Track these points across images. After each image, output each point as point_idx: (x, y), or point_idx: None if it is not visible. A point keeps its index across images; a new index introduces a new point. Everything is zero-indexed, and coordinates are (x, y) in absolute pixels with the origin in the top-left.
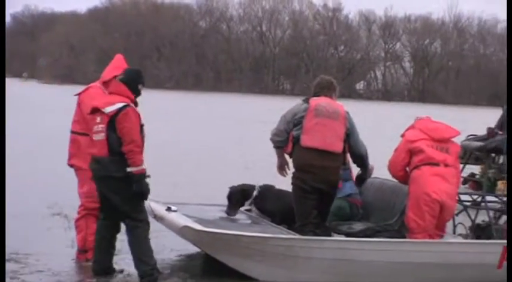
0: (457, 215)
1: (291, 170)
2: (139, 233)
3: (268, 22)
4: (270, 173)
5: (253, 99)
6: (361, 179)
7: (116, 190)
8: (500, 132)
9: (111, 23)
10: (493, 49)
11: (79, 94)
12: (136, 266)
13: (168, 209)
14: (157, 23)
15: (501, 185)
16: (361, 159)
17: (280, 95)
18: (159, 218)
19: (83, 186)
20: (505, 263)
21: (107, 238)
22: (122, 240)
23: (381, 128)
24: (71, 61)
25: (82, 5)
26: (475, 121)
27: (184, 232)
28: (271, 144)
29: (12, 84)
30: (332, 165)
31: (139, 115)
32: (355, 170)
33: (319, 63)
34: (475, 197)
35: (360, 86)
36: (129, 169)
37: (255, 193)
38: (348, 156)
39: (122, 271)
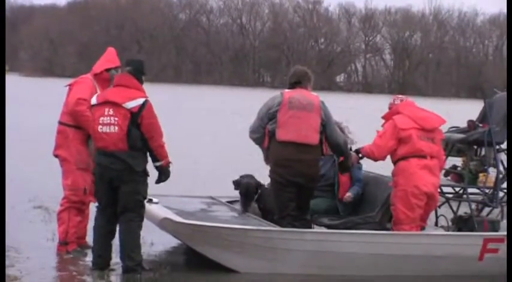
0: (439, 207)
1: None
2: (134, 228)
3: (248, 14)
4: (250, 164)
5: (233, 92)
6: (344, 167)
7: (128, 182)
8: (481, 125)
9: (91, 16)
10: (473, 41)
11: (70, 85)
12: (122, 260)
13: (150, 200)
14: (137, 15)
15: (482, 177)
16: (339, 148)
17: (261, 87)
18: None
19: (68, 178)
20: (486, 255)
21: (105, 227)
22: None
23: (362, 120)
24: (50, 54)
25: None
26: (455, 113)
27: (164, 224)
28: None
29: None
30: (308, 158)
31: None
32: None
33: (300, 55)
34: (457, 189)
35: (341, 78)
36: (158, 163)
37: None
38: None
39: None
